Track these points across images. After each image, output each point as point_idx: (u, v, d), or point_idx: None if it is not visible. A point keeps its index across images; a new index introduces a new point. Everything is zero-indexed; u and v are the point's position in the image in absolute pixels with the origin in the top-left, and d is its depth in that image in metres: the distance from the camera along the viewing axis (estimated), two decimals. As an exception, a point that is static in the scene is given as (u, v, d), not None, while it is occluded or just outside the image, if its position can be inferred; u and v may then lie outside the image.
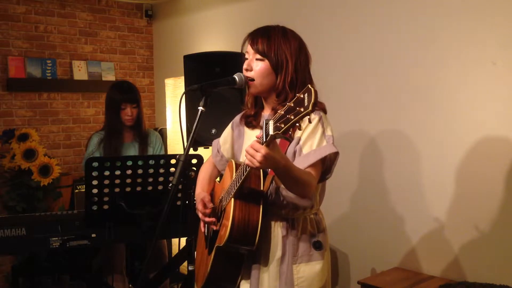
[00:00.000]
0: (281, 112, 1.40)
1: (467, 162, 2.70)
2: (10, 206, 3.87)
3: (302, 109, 1.34)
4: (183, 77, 3.52)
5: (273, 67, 1.77)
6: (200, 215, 1.92)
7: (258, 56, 1.78)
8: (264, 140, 1.44)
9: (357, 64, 3.21)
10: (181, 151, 1.82)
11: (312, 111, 1.32)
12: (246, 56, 1.84)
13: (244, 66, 1.82)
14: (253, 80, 1.80)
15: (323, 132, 1.74)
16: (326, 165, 1.77)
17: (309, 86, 1.34)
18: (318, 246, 1.84)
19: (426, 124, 2.87)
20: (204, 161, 2.24)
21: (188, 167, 2.49)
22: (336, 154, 1.75)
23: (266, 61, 1.78)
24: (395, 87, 3.01)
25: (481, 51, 2.61)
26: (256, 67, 1.79)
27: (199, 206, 1.91)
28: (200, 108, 1.78)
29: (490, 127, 2.60)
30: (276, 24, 1.87)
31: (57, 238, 2.58)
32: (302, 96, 1.35)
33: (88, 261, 3.46)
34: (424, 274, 2.88)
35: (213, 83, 1.82)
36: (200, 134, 3.24)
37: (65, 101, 4.64)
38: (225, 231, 1.69)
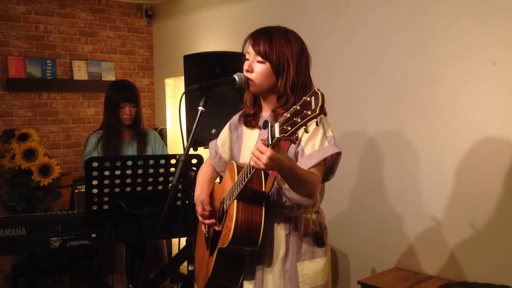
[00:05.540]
0: (287, 115, 1.41)
1: (467, 162, 2.70)
2: (10, 206, 3.88)
3: (309, 112, 1.34)
4: (183, 77, 3.52)
5: (274, 70, 1.77)
6: (199, 217, 1.94)
7: (259, 58, 1.78)
8: (270, 142, 1.45)
9: (356, 64, 3.21)
10: (181, 151, 1.82)
11: (320, 114, 1.33)
12: (247, 56, 1.83)
13: (245, 67, 1.82)
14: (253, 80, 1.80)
15: (324, 133, 1.75)
16: (328, 165, 1.78)
17: (316, 89, 1.35)
18: (320, 243, 1.86)
19: (425, 124, 2.87)
20: (203, 164, 2.23)
21: (188, 167, 2.49)
22: (338, 155, 1.76)
23: (267, 63, 1.77)
24: (395, 87, 3.01)
25: (481, 51, 2.61)
26: (257, 68, 1.79)
27: (199, 208, 1.93)
28: (200, 108, 1.78)
29: (490, 127, 2.59)
30: (276, 24, 1.87)
31: (57, 238, 2.58)
32: (308, 99, 1.36)
33: (88, 261, 3.46)
34: (424, 274, 2.88)
35: (213, 83, 1.82)
36: (200, 134, 3.24)
37: (65, 101, 4.64)
38: (228, 233, 1.70)
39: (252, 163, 1.53)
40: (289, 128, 1.39)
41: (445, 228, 2.81)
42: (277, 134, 1.41)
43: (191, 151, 3.00)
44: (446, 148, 2.78)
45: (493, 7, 2.56)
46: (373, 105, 3.12)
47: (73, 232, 2.60)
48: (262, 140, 1.52)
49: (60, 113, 4.62)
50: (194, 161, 2.53)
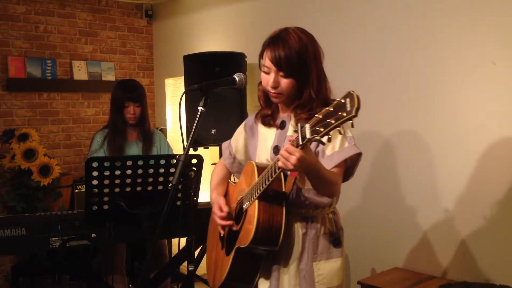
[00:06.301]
0: (319, 116, 1.40)
1: (467, 163, 2.69)
2: (10, 206, 3.88)
3: (344, 114, 1.33)
4: (183, 77, 3.53)
5: (299, 83, 1.76)
6: (216, 218, 1.93)
7: (282, 74, 1.76)
8: (301, 143, 1.46)
9: (357, 64, 3.21)
10: (181, 151, 1.82)
11: (356, 115, 1.31)
12: (266, 70, 1.78)
13: (271, 83, 1.77)
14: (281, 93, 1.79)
15: (344, 134, 1.75)
16: (347, 166, 1.79)
17: (351, 91, 1.34)
18: (337, 243, 1.89)
19: (426, 125, 2.87)
20: (216, 164, 2.23)
21: (188, 167, 2.49)
22: (358, 155, 1.76)
23: (291, 78, 1.76)
24: (396, 88, 3.01)
25: (481, 51, 2.60)
26: (283, 84, 1.76)
27: (215, 209, 1.93)
28: (200, 108, 1.79)
29: (492, 127, 2.59)
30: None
31: (57, 238, 2.57)
32: (343, 101, 1.34)
33: (88, 261, 3.46)
34: (424, 274, 2.88)
35: (213, 83, 1.83)
36: (200, 134, 3.25)
37: (65, 101, 4.64)
38: (249, 233, 1.71)
39: (280, 163, 1.54)
40: (322, 129, 1.38)
41: (445, 228, 2.81)
42: (308, 135, 1.41)
43: (191, 151, 3.00)
44: (448, 149, 2.78)
45: (493, 7, 2.56)
46: (375, 105, 3.12)
47: (73, 232, 2.60)
48: (290, 140, 1.53)
49: (60, 113, 4.62)
50: (194, 161, 2.53)
